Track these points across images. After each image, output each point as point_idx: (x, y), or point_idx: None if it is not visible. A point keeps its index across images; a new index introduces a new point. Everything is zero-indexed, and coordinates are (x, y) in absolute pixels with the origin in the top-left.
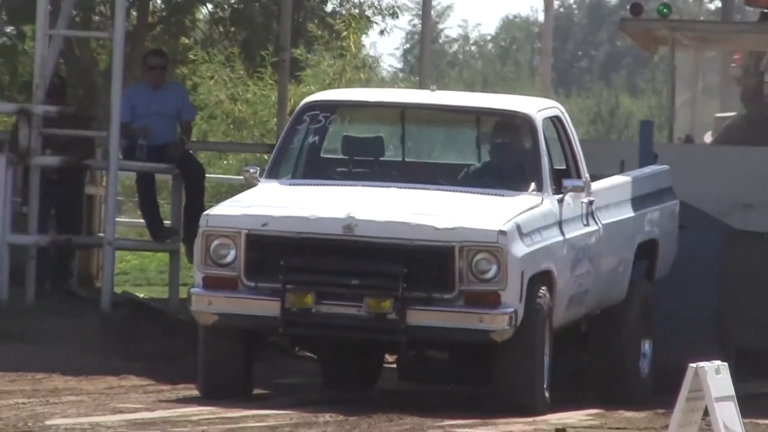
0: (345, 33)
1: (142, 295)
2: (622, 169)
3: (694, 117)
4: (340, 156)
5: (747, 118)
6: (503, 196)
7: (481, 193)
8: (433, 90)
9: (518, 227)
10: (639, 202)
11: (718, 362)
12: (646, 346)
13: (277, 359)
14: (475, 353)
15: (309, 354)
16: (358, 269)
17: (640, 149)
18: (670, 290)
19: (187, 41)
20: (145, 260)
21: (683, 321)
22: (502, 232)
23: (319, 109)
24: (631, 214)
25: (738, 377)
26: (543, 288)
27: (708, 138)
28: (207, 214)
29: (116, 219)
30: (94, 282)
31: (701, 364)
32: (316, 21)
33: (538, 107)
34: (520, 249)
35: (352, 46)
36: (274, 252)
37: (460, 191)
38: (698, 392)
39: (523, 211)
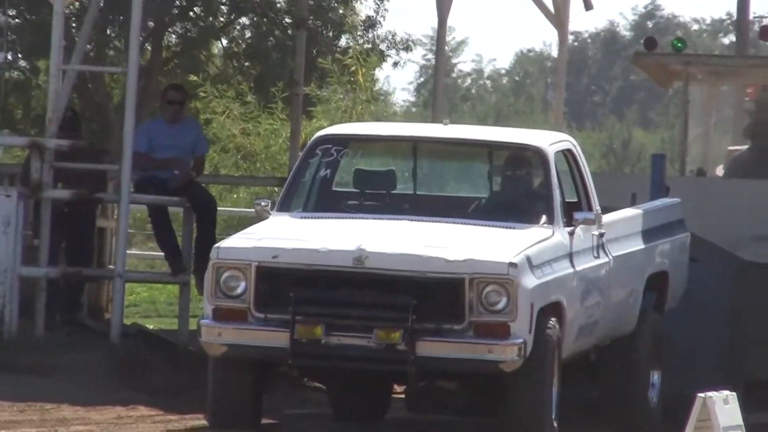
0: (354, 67)
1: (151, 327)
2: (633, 202)
3: (706, 150)
4: (352, 189)
5: (756, 150)
6: (514, 228)
7: (492, 226)
8: (445, 124)
9: (528, 259)
10: (650, 234)
11: (726, 392)
12: (656, 376)
13: (286, 390)
14: (485, 384)
15: (318, 385)
16: (367, 301)
17: (651, 182)
18: (682, 321)
19: (196, 78)
20: (155, 292)
21: (694, 352)
22: (512, 264)
23: (331, 143)
24: (642, 246)
25: (747, 408)
26: (553, 319)
27: (720, 171)
28: (218, 247)
29: (127, 251)
30: (103, 314)
31: (709, 393)
32: (328, 56)
33: (550, 140)
34: (530, 281)
35: (361, 80)
36: (284, 284)
37: (471, 224)
38: (706, 422)
39: (534, 244)
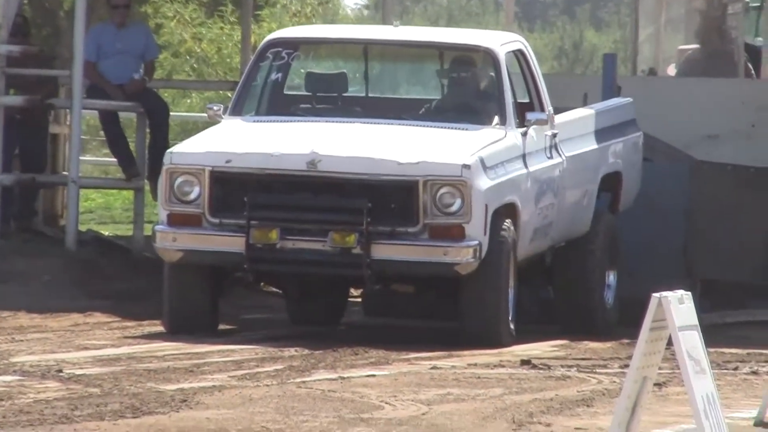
0: None
1: (107, 233)
2: (585, 102)
3: (657, 50)
4: (304, 93)
5: (708, 50)
6: (467, 130)
7: (445, 128)
8: (396, 26)
9: (482, 161)
10: (602, 134)
11: (681, 292)
12: (611, 277)
13: (242, 295)
14: (441, 287)
15: (274, 289)
16: (322, 204)
17: (603, 82)
18: (637, 222)
19: None
20: (110, 198)
21: (649, 252)
22: (465, 166)
23: (281, 46)
24: (595, 146)
25: (703, 307)
26: (507, 221)
27: (671, 70)
28: (171, 152)
29: (80, 158)
30: (58, 220)
31: (664, 293)
32: None
33: (500, 41)
34: (484, 182)
35: None
36: (238, 189)
37: (424, 126)
38: (662, 322)
39: (487, 145)
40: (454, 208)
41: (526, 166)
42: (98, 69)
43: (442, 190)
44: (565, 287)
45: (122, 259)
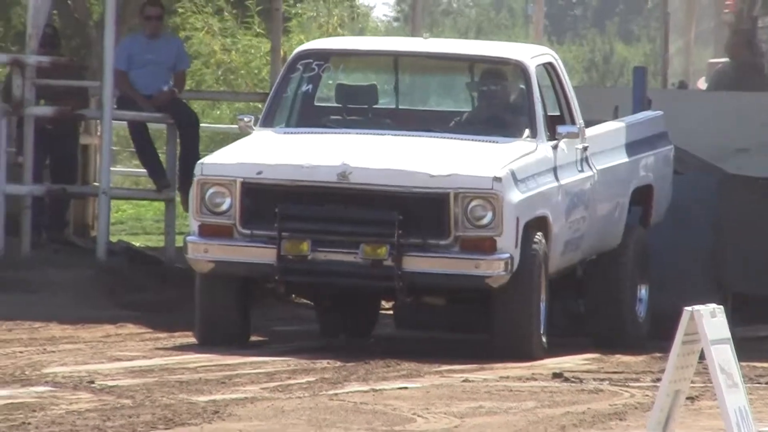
0: None
1: (138, 244)
2: (616, 115)
3: (687, 63)
4: (334, 104)
5: (737, 63)
6: (497, 143)
7: (476, 140)
8: (426, 38)
9: (513, 173)
10: (634, 147)
11: (713, 305)
12: (643, 291)
13: (274, 307)
14: (473, 300)
15: (306, 301)
16: (353, 216)
17: (633, 95)
18: (667, 235)
19: None
20: (141, 209)
21: (680, 266)
22: (497, 179)
23: (312, 58)
24: (626, 159)
25: (735, 321)
26: (539, 234)
27: (702, 84)
28: (202, 163)
29: (111, 168)
30: (89, 231)
31: (696, 307)
32: None
33: (531, 54)
34: (515, 195)
35: None
36: (269, 200)
37: (455, 138)
38: (694, 335)
39: (518, 158)
40: (485, 221)
41: (557, 179)
42: (128, 79)
43: (474, 203)
44: (596, 300)
45: (153, 270)
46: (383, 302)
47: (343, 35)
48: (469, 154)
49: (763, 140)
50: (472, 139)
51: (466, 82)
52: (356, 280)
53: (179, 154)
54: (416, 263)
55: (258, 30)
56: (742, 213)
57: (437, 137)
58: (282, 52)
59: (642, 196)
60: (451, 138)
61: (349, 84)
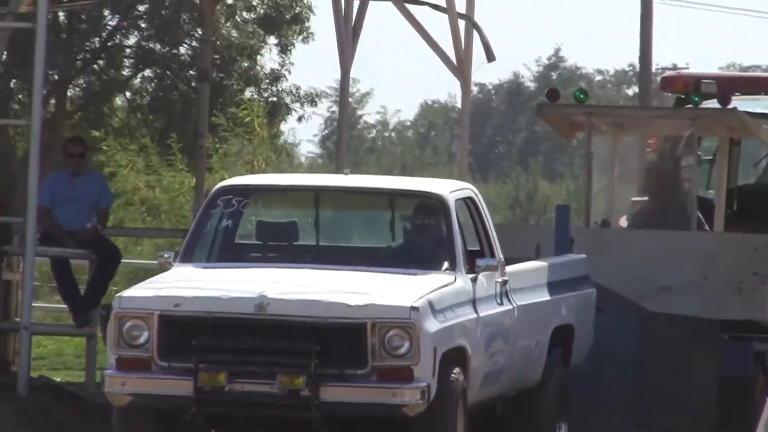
0: (250, 119)
1: (59, 379)
2: (537, 253)
3: (610, 201)
4: (255, 242)
5: (662, 202)
6: (416, 275)
7: (394, 273)
8: (346, 173)
9: (431, 303)
10: (555, 287)
11: None
12: (563, 429)
13: None
14: None
15: None
16: (270, 347)
17: (556, 233)
18: (588, 372)
19: (97, 133)
20: (62, 345)
21: (601, 402)
22: (414, 308)
23: (232, 194)
24: (547, 297)
25: None
26: (456, 368)
27: (624, 222)
28: (120, 296)
29: (33, 304)
30: (10, 367)
31: None
32: (224, 115)
33: (450, 188)
34: (432, 325)
35: (259, 130)
36: (187, 332)
37: (373, 271)
38: None
39: (436, 289)
40: (402, 351)
41: (476, 311)
42: (52, 215)
43: (391, 333)
44: None
45: (73, 405)
46: None
47: (267, 172)
48: (387, 286)
49: (684, 279)
50: (391, 272)
51: (386, 217)
52: (273, 410)
53: (89, 278)
54: (333, 393)
55: (179, 167)
56: (663, 351)
57: (355, 270)
58: (206, 188)
59: (563, 337)
60: (369, 271)
61: (269, 221)
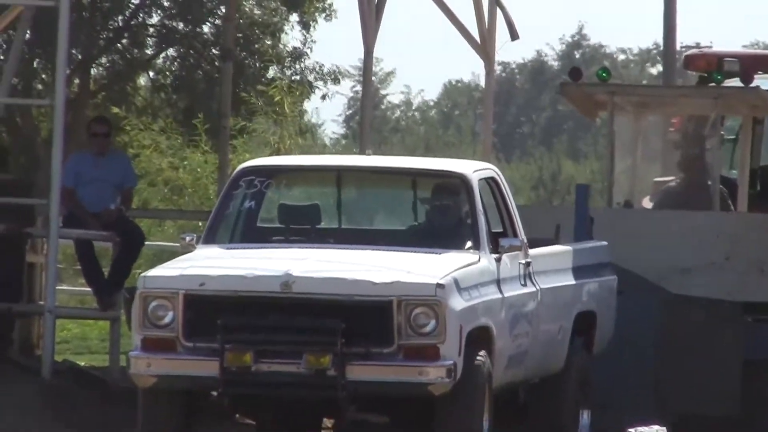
0: (279, 97)
1: (83, 363)
2: (557, 233)
3: (633, 182)
4: (277, 225)
5: (685, 182)
6: (440, 254)
7: (418, 252)
8: (369, 154)
9: (456, 282)
10: (578, 272)
11: (656, 426)
12: (585, 416)
13: (217, 426)
14: (416, 416)
15: (249, 421)
16: (296, 326)
17: (575, 213)
18: (609, 355)
19: (119, 111)
20: (86, 328)
21: (622, 385)
22: (440, 286)
23: (254, 175)
24: (571, 282)
25: None
26: (481, 346)
27: (646, 203)
28: (144, 276)
29: (57, 287)
30: (34, 350)
31: (639, 428)
32: (251, 92)
33: (473, 168)
34: (458, 303)
35: (287, 111)
36: (212, 312)
37: (397, 250)
38: None
39: (461, 267)
40: (428, 329)
41: (500, 292)
42: (76, 196)
43: (417, 310)
44: (539, 426)
45: (98, 389)
46: (325, 421)
47: (293, 154)
48: (412, 264)
49: (706, 260)
50: (415, 251)
51: (409, 196)
52: (300, 390)
53: (112, 260)
54: (360, 372)
55: (203, 148)
56: (685, 333)
57: (380, 250)
58: (231, 169)
59: (585, 324)
60: (394, 250)
61: (291, 204)
